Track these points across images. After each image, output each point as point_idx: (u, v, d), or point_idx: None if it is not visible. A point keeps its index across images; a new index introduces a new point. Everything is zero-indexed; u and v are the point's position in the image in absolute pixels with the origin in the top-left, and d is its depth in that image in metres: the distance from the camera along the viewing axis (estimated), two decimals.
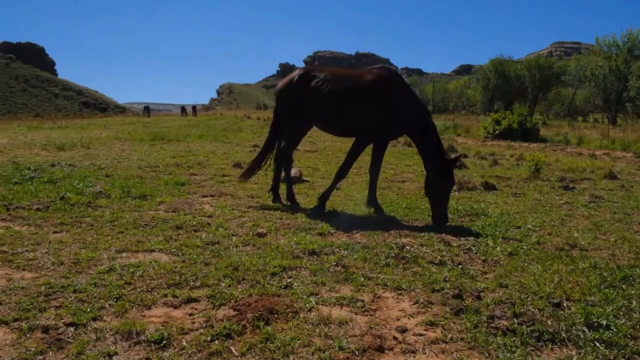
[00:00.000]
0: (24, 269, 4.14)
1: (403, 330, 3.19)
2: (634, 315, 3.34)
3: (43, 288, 3.69)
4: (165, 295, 3.63)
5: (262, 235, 5.28)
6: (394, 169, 11.06)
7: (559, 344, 3.02)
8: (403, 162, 12.64)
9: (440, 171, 5.99)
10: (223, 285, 3.86)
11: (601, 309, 3.39)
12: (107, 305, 3.44)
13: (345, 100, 6.44)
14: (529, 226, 5.89)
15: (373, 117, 6.32)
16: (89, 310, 3.34)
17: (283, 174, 7.30)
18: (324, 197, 6.66)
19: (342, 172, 6.67)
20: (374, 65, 7.03)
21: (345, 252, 4.75)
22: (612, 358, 2.85)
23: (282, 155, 7.17)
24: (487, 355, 2.89)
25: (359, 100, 6.36)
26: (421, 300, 3.65)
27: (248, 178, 7.59)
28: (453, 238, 5.26)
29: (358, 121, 6.45)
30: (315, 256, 4.64)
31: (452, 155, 6.14)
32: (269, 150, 7.38)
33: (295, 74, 7.07)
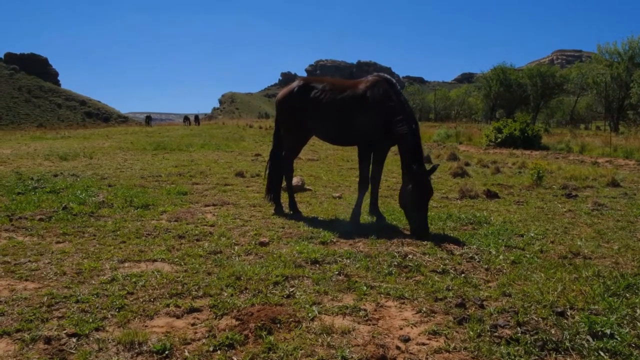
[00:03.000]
0: (26, 280, 4.15)
1: (406, 340, 3.18)
2: (638, 324, 3.32)
3: (45, 298, 3.69)
4: (168, 305, 3.63)
5: (265, 245, 5.28)
6: (396, 178, 11.05)
7: (563, 353, 3.00)
8: None
9: (416, 180, 5.78)
10: (225, 294, 3.85)
11: (605, 318, 3.37)
12: (109, 316, 3.44)
13: (343, 110, 6.46)
14: (532, 234, 5.88)
15: (367, 125, 6.30)
16: (91, 320, 3.34)
17: (284, 183, 7.30)
18: (355, 215, 6.46)
19: (363, 183, 6.51)
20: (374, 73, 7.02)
21: (348, 261, 4.74)
22: None
23: (283, 164, 7.18)
24: None
25: (355, 109, 6.37)
26: (424, 309, 3.64)
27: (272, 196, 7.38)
28: (456, 246, 5.25)
29: (355, 130, 6.45)
30: (317, 265, 4.63)
31: (435, 164, 6.01)
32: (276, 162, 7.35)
33: (294, 84, 7.09)
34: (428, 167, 6.03)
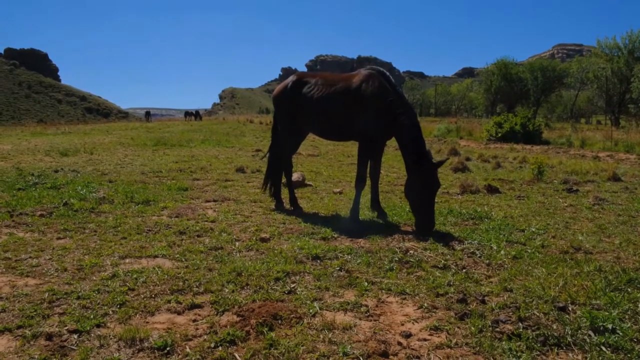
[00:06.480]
0: (27, 276, 4.14)
1: (407, 336, 3.17)
2: None
3: (47, 295, 3.69)
4: (169, 302, 3.63)
5: (265, 240, 5.28)
6: (397, 173, 11.04)
7: (564, 348, 3.00)
8: None
9: (422, 174, 5.71)
10: (226, 291, 3.85)
11: (607, 313, 3.37)
12: (110, 312, 3.44)
13: (336, 104, 6.39)
14: (533, 229, 5.87)
15: (363, 119, 6.20)
16: (92, 317, 3.33)
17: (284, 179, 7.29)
18: (354, 212, 6.35)
19: (360, 181, 6.40)
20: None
21: (349, 257, 4.74)
22: None
23: (282, 160, 7.16)
24: None
25: (349, 103, 6.29)
26: (425, 304, 3.63)
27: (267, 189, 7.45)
28: (457, 242, 5.24)
29: (352, 125, 6.37)
30: (318, 261, 4.63)
31: (442, 158, 5.90)
32: (275, 157, 7.35)
33: (289, 80, 7.07)
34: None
